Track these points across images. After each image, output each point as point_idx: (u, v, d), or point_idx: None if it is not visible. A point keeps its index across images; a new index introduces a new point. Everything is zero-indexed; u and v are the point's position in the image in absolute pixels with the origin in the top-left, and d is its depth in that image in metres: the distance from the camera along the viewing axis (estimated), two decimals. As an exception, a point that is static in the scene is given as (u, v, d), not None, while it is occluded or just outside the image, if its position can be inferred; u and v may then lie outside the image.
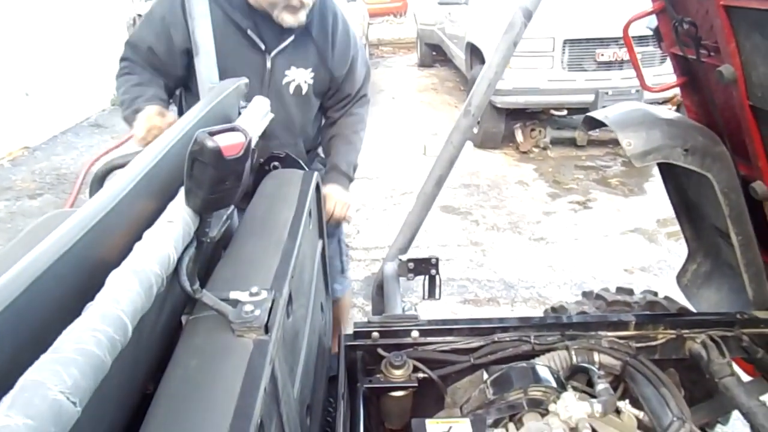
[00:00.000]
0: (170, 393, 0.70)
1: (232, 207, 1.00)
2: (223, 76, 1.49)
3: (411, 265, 1.76)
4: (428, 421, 1.23)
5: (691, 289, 1.86)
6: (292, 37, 1.70)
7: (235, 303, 0.85)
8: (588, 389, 1.37)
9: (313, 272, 1.35)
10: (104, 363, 0.50)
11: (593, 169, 5.41)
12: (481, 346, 1.46)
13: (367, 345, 1.44)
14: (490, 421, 1.27)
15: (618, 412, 1.33)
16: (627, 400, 1.35)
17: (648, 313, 1.66)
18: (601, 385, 1.32)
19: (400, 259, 1.75)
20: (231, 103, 1.35)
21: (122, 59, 1.74)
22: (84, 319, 0.53)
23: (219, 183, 0.67)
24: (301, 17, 1.63)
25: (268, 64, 1.70)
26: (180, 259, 0.83)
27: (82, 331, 0.51)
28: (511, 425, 1.25)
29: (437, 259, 1.73)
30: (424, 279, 1.79)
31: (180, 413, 0.65)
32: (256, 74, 1.67)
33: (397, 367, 1.37)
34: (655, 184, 4.91)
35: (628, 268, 3.64)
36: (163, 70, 1.73)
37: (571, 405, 1.24)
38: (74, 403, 0.46)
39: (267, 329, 0.82)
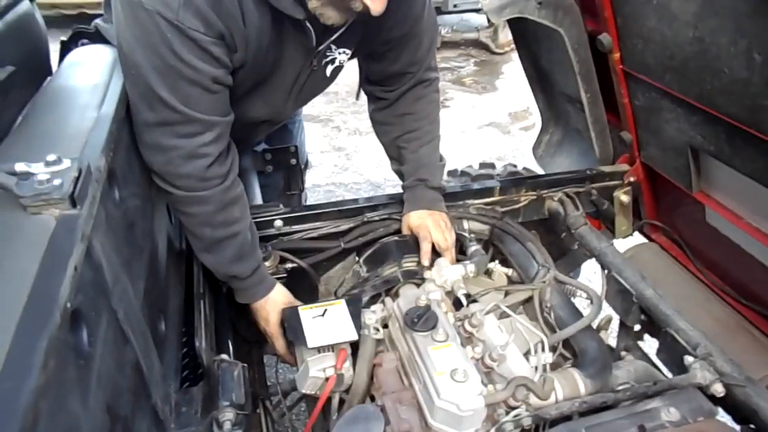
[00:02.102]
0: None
1: (12, 68, 0.77)
2: (258, 76, 1.12)
3: (268, 156, 1.60)
4: (301, 308, 1.15)
5: (545, 159, 1.94)
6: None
7: (25, 175, 0.65)
8: (461, 256, 1.37)
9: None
10: None
11: (448, 70, 5.47)
12: (351, 229, 1.38)
13: (226, 241, 1.29)
14: (366, 298, 1.22)
15: (489, 273, 1.36)
16: (497, 261, 1.38)
17: (510, 178, 1.69)
18: (473, 248, 1.33)
19: (255, 151, 1.58)
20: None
21: (201, 148, 1.01)
22: None
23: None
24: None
25: (315, 61, 1.19)
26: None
27: None
28: (387, 299, 1.21)
29: (296, 147, 1.59)
30: (284, 172, 1.65)
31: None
32: (294, 71, 1.19)
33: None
34: (506, 81, 5.12)
35: (486, 159, 3.78)
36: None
37: (445, 269, 1.22)
38: None
39: (74, 202, 0.64)
